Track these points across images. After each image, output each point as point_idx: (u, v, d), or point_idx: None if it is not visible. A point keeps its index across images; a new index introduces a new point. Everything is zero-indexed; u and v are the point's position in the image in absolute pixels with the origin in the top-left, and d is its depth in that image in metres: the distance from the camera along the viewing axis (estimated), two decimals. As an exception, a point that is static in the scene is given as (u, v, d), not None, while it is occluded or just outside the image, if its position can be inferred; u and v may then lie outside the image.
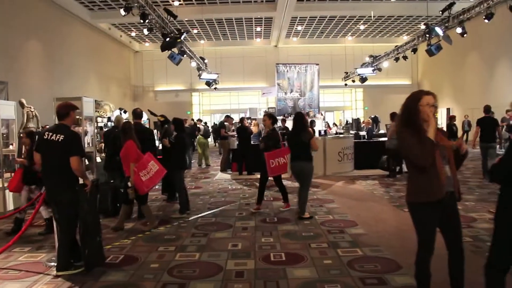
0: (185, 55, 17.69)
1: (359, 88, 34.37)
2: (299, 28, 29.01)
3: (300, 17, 26.06)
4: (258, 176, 12.64)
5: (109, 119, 17.66)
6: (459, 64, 28.30)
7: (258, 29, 29.15)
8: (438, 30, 14.63)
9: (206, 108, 35.42)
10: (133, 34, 30.09)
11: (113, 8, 22.72)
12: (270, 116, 7.90)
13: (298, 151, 7.08)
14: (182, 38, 14.41)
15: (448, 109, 30.48)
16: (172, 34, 14.31)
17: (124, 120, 8.46)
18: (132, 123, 7.19)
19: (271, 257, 5.08)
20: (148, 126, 14.08)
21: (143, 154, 6.44)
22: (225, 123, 13.93)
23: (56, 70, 20.30)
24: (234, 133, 13.82)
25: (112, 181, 7.54)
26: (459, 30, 14.02)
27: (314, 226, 6.45)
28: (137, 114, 7.71)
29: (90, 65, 25.28)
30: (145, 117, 11.15)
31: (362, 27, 29.07)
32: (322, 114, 20.97)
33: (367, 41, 32.72)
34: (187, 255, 5.25)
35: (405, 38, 30.44)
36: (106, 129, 11.48)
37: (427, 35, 15.75)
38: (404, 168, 12.28)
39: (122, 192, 7.20)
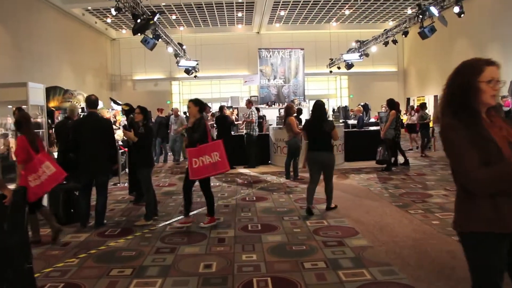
0: (160, 40, 16.32)
1: (344, 76, 33.46)
2: (282, 13, 27.78)
3: (283, 1, 24.86)
4: (240, 170, 11.79)
5: (83, 109, 16.56)
6: (447, 50, 27.44)
7: (240, 14, 27.85)
8: (433, 10, 13.53)
9: (187, 97, 34.05)
10: (108, 20, 28.54)
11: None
12: (196, 103, 6.21)
13: (320, 141, 6.56)
14: (155, 19, 13.04)
15: (435, 96, 29.76)
16: (144, 16, 12.97)
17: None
18: (87, 112, 5.99)
19: (254, 284, 3.93)
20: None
21: (35, 154, 5.18)
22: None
23: (25, 60, 18.74)
24: (213, 122, 12.63)
25: (65, 182, 6.31)
26: (456, 9, 12.94)
27: (307, 236, 5.34)
28: (91, 102, 6.38)
29: (63, 54, 23.71)
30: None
31: (347, 12, 28.00)
32: (307, 102, 19.89)
33: (352, 27, 31.74)
34: (146, 282, 4.07)
35: (390, 23, 29.49)
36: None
37: (420, 16, 14.65)
38: (400, 160, 11.33)
39: (76, 196, 6.07)
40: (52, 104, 18.42)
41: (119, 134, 10.43)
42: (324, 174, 6.67)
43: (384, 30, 20.96)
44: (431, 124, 14.39)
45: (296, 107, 11.76)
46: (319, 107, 6.82)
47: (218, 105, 13.12)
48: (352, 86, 34.00)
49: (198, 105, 6.18)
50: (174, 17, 27.62)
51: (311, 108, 13.83)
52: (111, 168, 6.43)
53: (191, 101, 6.29)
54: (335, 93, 35.05)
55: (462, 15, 13.55)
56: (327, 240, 5.10)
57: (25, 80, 17.67)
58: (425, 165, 11.52)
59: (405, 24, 17.31)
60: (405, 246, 4.82)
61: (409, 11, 27.28)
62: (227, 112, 12.54)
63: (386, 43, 20.29)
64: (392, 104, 11.14)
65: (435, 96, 29.76)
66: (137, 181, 7.20)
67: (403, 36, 17.76)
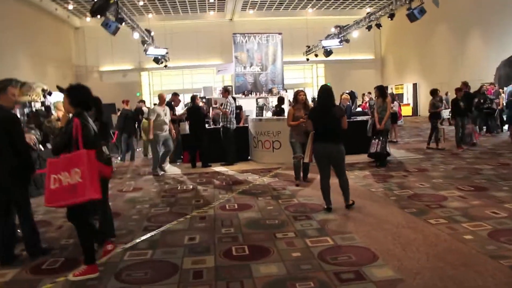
0: (125, 25, 14.78)
1: (320, 64, 32.70)
2: (256, -2, 26.57)
3: (257, -15, 23.59)
4: (216, 169, 10.39)
5: (42, 103, 15.00)
6: (426, 37, 26.68)
7: (212, 0, 26.47)
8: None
9: (157, 89, 32.52)
10: (70, 7, 26.74)
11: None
12: (69, 93, 4.19)
13: (329, 131, 5.83)
14: (115, -2, 11.55)
15: (414, 84, 29.04)
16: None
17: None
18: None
19: None
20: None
21: None
22: (172, 103, 11.31)
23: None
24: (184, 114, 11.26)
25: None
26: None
27: (311, 265, 4.02)
28: None
29: (20, 43, 21.84)
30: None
31: (323, -3, 26.96)
32: (286, 91, 18.60)
33: (329, 13, 30.86)
34: None
35: (368, 10, 28.55)
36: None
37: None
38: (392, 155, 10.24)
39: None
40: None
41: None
42: (334, 167, 5.94)
43: (367, 13, 19.88)
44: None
45: (278, 96, 10.48)
46: (326, 91, 6.01)
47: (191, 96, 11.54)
48: (329, 74, 33.22)
49: (72, 96, 4.16)
50: (141, 3, 26.06)
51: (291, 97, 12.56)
52: (27, 178, 4.62)
53: (60, 89, 4.73)
54: (311, 81, 34.16)
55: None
56: (339, 271, 3.80)
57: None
58: (421, 158, 10.41)
59: (390, 6, 16.14)
60: (445, 276, 3.59)
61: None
62: (199, 101, 11.12)
63: (369, 27, 19.22)
64: (384, 91, 10.01)
65: (414, 84, 29.03)
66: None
67: (389, 19, 16.62)
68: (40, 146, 9.22)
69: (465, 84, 12.70)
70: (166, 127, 9.74)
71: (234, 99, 12.43)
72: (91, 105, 4.30)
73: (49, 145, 9.02)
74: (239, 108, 12.69)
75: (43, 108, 13.66)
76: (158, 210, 6.45)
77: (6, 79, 11.68)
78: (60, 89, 8.41)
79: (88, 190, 3.69)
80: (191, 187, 8.16)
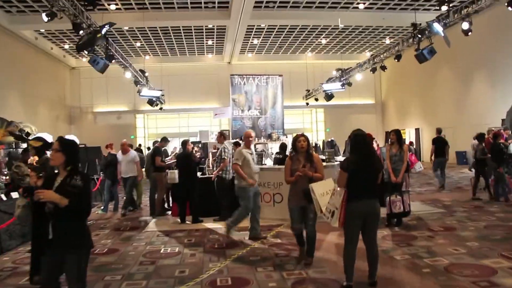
0: (114, 62, 13.83)
1: (320, 108, 31.96)
2: (255, 41, 25.99)
3: (256, 28, 22.98)
4: (207, 225, 8.81)
5: (25, 139, 14.05)
6: (428, 81, 25.96)
7: (210, 42, 25.90)
8: (437, 27, 11.50)
9: (153, 132, 31.60)
10: (66, 46, 26.10)
11: (37, 12, 18.48)
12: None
13: (369, 186, 4.74)
14: (103, 32, 10.53)
15: (417, 129, 28.14)
16: (92, 28, 10.46)
17: None
18: None
19: None
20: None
21: None
22: (162, 148, 10.16)
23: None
24: (172, 161, 10.09)
25: None
26: (465, 25, 10.97)
27: None
28: None
29: (10, 80, 20.95)
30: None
31: (323, 41, 26.39)
32: (287, 137, 17.48)
33: (329, 57, 30.33)
34: None
35: (367, 54, 28.05)
36: None
37: (419, 36, 12.64)
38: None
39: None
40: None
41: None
42: (367, 232, 4.77)
43: (372, 55, 19.13)
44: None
45: (280, 142, 9.27)
46: (364, 137, 4.91)
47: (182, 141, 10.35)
48: (329, 119, 32.51)
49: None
50: (138, 44, 25.45)
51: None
52: None
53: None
54: (310, 126, 33.36)
55: (470, 33, 11.56)
56: None
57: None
58: (442, 213, 9.16)
59: (397, 47, 15.29)
60: None
61: (387, 41, 25.93)
62: (191, 148, 9.94)
63: (373, 70, 18.37)
64: (401, 137, 8.82)
65: (417, 129, 28.11)
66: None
67: (396, 60, 15.77)
68: (4, 195, 8.00)
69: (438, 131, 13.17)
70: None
71: (239, 144, 11.23)
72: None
73: (14, 194, 7.76)
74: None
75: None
76: (130, 285, 5.14)
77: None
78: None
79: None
80: (176, 249, 6.85)
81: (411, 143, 15.49)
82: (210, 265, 5.84)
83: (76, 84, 30.38)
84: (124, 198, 11.16)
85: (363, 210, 4.64)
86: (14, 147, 14.69)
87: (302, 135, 6.03)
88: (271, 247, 6.78)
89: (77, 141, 16.73)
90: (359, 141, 4.87)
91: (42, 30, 22.53)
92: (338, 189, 4.74)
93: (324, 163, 9.83)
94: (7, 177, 9.22)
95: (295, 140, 6.03)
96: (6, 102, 20.35)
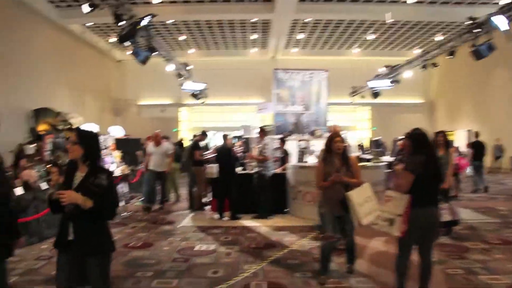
0: (157, 54, 13.73)
1: (365, 107, 31.03)
2: (300, 36, 25.45)
3: (302, 23, 22.47)
4: (245, 222, 8.44)
5: (70, 128, 14.31)
6: (482, 81, 24.70)
7: (254, 36, 25.57)
8: (499, 20, 10.65)
9: (196, 125, 31.65)
10: (112, 40, 26.42)
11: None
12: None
13: (433, 191, 4.26)
14: (143, 23, 10.39)
15: (469, 131, 26.89)
16: (133, 19, 10.35)
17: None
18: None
19: None
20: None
21: None
22: (199, 142, 9.94)
23: (11, 78, 16.32)
24: (211, 155, 9.85)
25: None
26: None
27: None
28: None
29: (59, 73, 21.34)
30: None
31: (370, 37, 25.58)
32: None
33: (375, 54, 29.40)
34: None
35: (416, 51, 26.99)
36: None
37: (478, 30, 11.79)
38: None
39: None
40: (41, 127, 15.99)
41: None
42: (425, 243, 4.28)
43: (422, 51, 18.30)
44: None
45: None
46: (428, 137, 4.33)
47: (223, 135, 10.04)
48: (375, 118, 31.52)
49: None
50: (183, 37, 25.43)
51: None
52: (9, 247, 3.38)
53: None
54: (355, 125, 32.56)
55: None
56: None
57: (8, 99, 15.57)
58: (498, 223, 8.42)
59: (451, 43, 14.48)
60: None
61: (439, 38, 24.83)
62: (231, 142, 9.67)
63: (424, 66, 17.53)
64: (448, 139, 8.18)
65: (469, 131, 26.88)
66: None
67: (449, 57, 14.94)
68: (45, 183, 7.95)
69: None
70: None
71: (284, 141, 10.88)
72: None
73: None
74: (285, 152, 10.80)
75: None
76: (161, 284, 4.90)
77: (42, 109, 10.57)
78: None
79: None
80: (211, 247, 6.60)
81: (471, 144, 14.62)
82: (245, 267, 5.54)
83: (121, 77, 30.77)
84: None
85: (426, 218, 4.15)
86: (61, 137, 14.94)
87: (338, 135, 5.25)
88: (311, 250, 6.39)
89: (123, 132, 16.91)
90: (423, 140, 4.34)
91: (89, 24, 22.85)
92: (394, 194, 4.25)
93: (370, 164, 9.38)
94: (49, 166, 9.23)
95: (330, 140, 5.21)
96: (55, 94, 20.77)
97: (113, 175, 3.49)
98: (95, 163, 3.33)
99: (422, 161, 4.18)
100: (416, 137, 4.33)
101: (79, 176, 3.27)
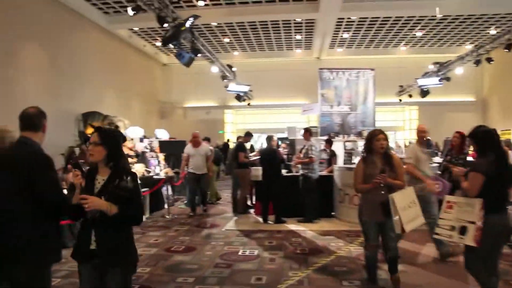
0: (200, 56, 13.75)
1: (413, 106, 30.09)
2: (345, 35, 24.97)
3: (347, 21, 22.02)
4: (290, 226, 8.23)
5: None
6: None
7: (298, 37, 25.32)
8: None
9: (241, 127, 31.71)
10: (158, 43, 26.87)
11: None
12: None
13: (505, 193, 3.86)
14: (187, 25, 10.37)
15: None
16: (176, 21, 10.35)
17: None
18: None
19: None
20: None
21: None
22: (244, 143, 9.78)
23: (62, 82, 16.83)
24: (256, 157, 9.68)
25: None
26: None
27: None
28: (24, 118, 3.21)
29: (107, 77, 21.87)
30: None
31: (418, 34, 24.75)
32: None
33: (423, 51, 28.44)
34: None
35: (468, 47, 25.88)
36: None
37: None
38: None
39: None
40: (89, 130, 16.42)
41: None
42: (493, 252, 3.89)
43: (475, 45, 17.51)
44: None
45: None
46: (496, 135, 4.00)
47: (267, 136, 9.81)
48: (423, 117, 30.42)
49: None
50: (227, 40, 25.50)
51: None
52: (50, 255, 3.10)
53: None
54: (403, 125, 31.66)
55: None
56: None
57: (60, 103, 16.07)
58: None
59: (507, 36, 13.74)
60: None
61: (493, 31, 23.71)
62: (276, 144, 9.47)
63: (477, 62, 16.76)
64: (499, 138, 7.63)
65: (527, 130, 25.57)
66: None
67: (507, 50, 14.19)
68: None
69: None
70: None
71: (331, 142, 10.61)
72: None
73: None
74: (332, 154, 10.52)
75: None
76: (203, 289, 4.77)
77: (91, 112, 10.76)
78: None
79: None
80: (255, 252, 6.44)
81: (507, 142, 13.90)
82: (290, 274, 5.33)
83: (167, 80, 31.22)
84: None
85: (502, 225, 3.76)
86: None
87: (381, 131, 4.79)
88: (358, 256, 6.09)
89: (167, 135, 17.05)
90: (490, 138, 3.97)
91: (136, 29, 23.28)
92: (457, 199, 3.89)
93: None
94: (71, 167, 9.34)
95: (372, 138, 4.75)
96: (103, 97, 21.27)
97: (137, 177, 3.28)
98: (118, 164, 3.09)
99: (492, 161, 3.80)
100: (482, 136, 3.97)
101: (100, 179, 3.06)
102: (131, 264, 3.11)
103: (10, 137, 3.84)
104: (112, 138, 3.13)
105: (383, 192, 4.48)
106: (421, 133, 6.47)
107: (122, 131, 13.12)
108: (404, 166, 5.71)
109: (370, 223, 4.65)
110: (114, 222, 2.90)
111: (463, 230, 3.75)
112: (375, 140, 4.67)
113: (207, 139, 11.24)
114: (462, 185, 3.96)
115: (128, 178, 2.99)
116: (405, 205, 4.29)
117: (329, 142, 10.39)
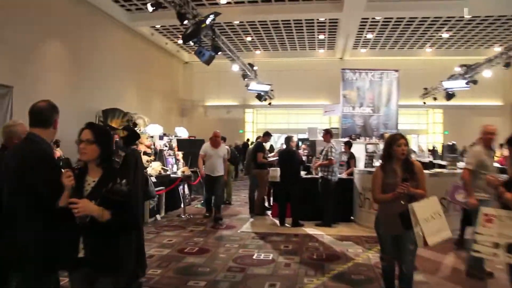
0: (221, 54, 13.63)
1: (438, 109, 29.45)
2: (369, 36, 24.57)
3: (371, 21, 21.64)
4: (307, 230, 7.95)
5: (132, 136, 14.44)
6: None
7: (321, 37, 25.02)
8: None
9: (261, 127, 31.50)
10: (180, 41, 26.88)
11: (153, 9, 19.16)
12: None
13: None
14: (207, 22, 10.21)
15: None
16: (197, 18, 10.22)
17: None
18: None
19: None
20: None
21: None
22: (263, 143, 9.58)
23: (84, 78, 16.94)
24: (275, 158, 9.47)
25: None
26: None
27: None
28: (33, 114, 3.08)
29: (129, 74, 21.97)
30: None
31: (445, 35, 24.19)
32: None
33: (450, 53, 27.84)
34: None
35: (496, 49, 25.18)
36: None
37: None
38: None
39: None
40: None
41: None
42: None
43: (505, 47, 16.98)
44: None
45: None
46: None
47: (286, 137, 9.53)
48: (448, 121, 29.83)
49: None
50: (249, 38, 25.35)
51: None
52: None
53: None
54: (426, 128, 31.04)
55: None
56: None
57: (81, 99, 16.15)
58: None
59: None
60: None
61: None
62: (295, 145, 9.26)
63: (507, 64, 16.23)
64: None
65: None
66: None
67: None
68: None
69: None
70: None
71: (350, 144, 10.36)
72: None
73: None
74: (350, 156, 10.22)
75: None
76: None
77: (111, 109, 10.75)
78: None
79: None
80: (270, 256, 6.22)
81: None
82: (305, 280, 5.11)
83: (188, 78, 31.27)
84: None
85: None
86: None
87: (402, 136, 4.30)
88: (377, 264, 5.81)
89: (186, 133, 16.96)
90: None
91: (158, 26, 23.30)
92: (497, 212, 3.52)
93: (444, 170, 8.62)
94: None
95: (392, 143, 4.25)
96: (124, 94, 21.35)
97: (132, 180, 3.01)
98: (111, 165, 2.87)
99: None
100: None
101: (90, 180, 2.77)
102: (125, 273, 2.87)
103: (20, 133, 3.72)
104: (106, 136, 2.89)
105: (403, 202, 4.01)
106: (488, 134, 5.65)
107: (142, 128, 13.09)
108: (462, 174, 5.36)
109: (386, 235, 4.29)
110: (105, 229, 2.63)
111: (511, 248, 3.39)
112: (396, 146, 4.20)
113: (223, 139, 10.85)
114: (503, 196, 3.60)
115: (123, 181, 2.73)
116: (428, 216, 3.85)
117: (348, 144, 10.12)
